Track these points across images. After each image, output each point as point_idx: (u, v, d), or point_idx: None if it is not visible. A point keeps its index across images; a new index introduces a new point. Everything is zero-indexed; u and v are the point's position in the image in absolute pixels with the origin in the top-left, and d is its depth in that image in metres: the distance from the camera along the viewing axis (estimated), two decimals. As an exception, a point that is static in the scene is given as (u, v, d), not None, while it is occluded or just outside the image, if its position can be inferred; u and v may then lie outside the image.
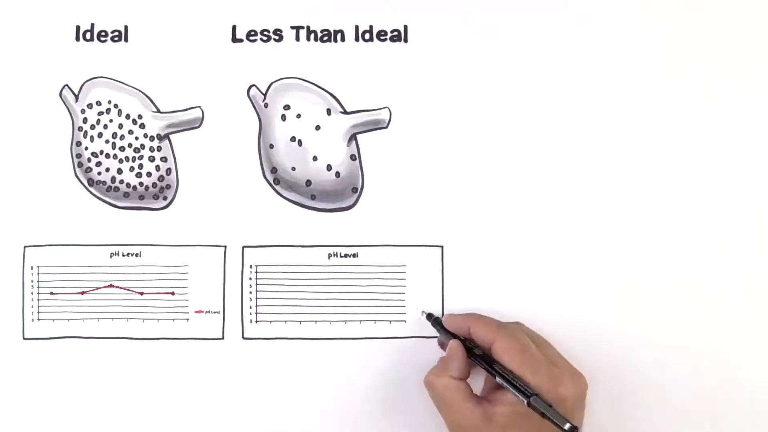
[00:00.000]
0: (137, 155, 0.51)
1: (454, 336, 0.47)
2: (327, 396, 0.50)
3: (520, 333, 0.45)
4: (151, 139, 0.51)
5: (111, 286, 0.51)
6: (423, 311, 0.50)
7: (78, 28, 0.51)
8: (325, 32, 0.51)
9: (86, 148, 0.51)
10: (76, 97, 0.51)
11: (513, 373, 0.42)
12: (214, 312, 0.51)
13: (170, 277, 0.51)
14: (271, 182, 0.51)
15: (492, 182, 0.50)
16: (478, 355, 0.45)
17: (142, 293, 0.51)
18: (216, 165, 0.51)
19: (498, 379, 0.43)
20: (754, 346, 0.50)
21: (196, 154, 0.51)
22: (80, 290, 0.51)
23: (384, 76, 0.51)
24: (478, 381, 0.47)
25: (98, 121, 0.51)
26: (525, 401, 0.40)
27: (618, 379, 0.50)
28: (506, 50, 0.51)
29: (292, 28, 0.51)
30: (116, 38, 0.51)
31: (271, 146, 0.51)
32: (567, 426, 0.39)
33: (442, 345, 0.49)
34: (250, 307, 0.51)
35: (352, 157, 0.51)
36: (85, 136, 0.51)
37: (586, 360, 0.49)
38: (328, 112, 0.51)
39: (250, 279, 0.51)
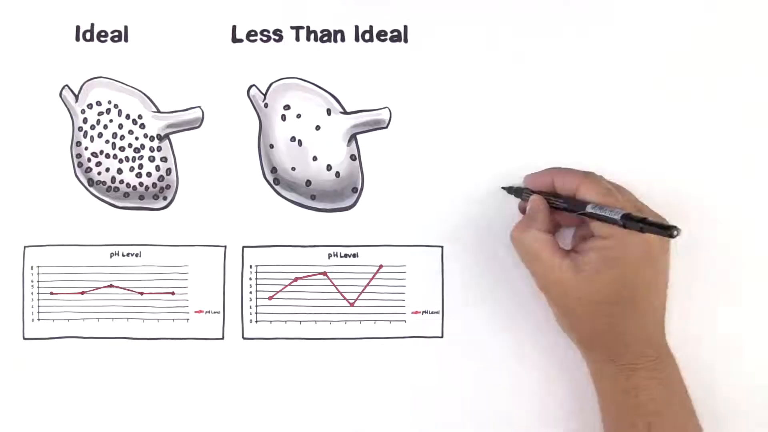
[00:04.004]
0: (137, 155, 0.51)
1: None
2: (327, 396, 0.50)
3: (602, 179, 0.45)
4: (151, 139, 0.51)
5: (111, 286, 0.51)
6: (502, 187, 0.50)
7: (78, 28, 0.51)
8: (325, 32, 0.51)
9: (86, 148, 0.51)
10: (76, 97, 0.51)
11: (600, 206, 0.42)
12: (214, 312, 0.51)
13: (170, 277, 0.51)
14: (271, 182, 0.51)
15: (492, 182, 0.50)
16: (559, 204, 0.45)
17: (142, 293, 0.51)
18: (216, 165, 0.51)
19: (589, 209, 0.42)
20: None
21: (196, 154, 0.51)
22: (80, 290, 0.51)
23: (384, 76, 0.51)
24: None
25: (98, 121, 0.51)
26: (620, 222, 0.40)
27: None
28: (506, 50, 0.51)
29: (292, 28, 0.51)
30: (116, 38, 0.51)
31: (271, 146, 0.51)
32: (672, 231, 0.37)
33: (522, 209, 0.49)
34: (250, 307, 0.51)
35: (352, 157, 0.51)
36: (85, 136, 0.51)
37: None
38: (328, 112, 0.51)
39: (250, 279, 0.51)
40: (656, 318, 0.45)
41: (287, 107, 0.51)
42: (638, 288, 0.43)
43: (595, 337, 0.45)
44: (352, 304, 0.51)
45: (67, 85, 0.51)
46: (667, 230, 0.38)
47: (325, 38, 0.51)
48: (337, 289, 0.51)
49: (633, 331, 0.44)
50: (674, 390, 0.45)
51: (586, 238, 0.45)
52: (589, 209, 0.43)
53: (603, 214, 0.42)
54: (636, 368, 0.44)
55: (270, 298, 0.51)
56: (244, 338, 0.51)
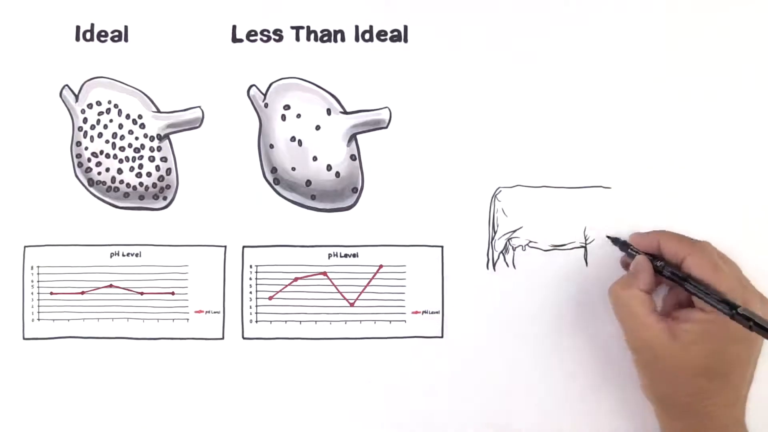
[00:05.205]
0: (137, 155, 0.51)
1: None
2: (327, 396, 0.50)
3: (711, 250, 0.45)
4: (151, 139, 0.51)
5: (111, 286, 0.51)
6: (607, 236, 0.49)
7: (78, 28, 0.51)
8: (325, 32, 0.51)
9: (86, 148, 0.51)
10: (76, 97, 0.51)
11: (708, 288, 0.42)
12: (214, 312, 0.51)
13: (170, 277, 0.51)
14: (271, 182, 0.51)
15: (491, 182, 0.50)
16: (666, 272, 0.44)
17: (142, 293, 0.51)
18: (216, 165, 0.51)
19: (692, 291, 0.42)
20: None
21: (196, 154, 0.51)
22: (80, 290, 0.51)
23: (384, 76, 0.51)
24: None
25: (98, 121, 0.51)
26: (729, 313, 0.39)
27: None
28: (506, 50, 0.51)
29: (292, 28, 0.51)
30: (116, 38, 0.51)
31: (271, 146, 0.51)
32: None
33: (625, 264, 0.48)
34: (250, 307, 0.51)
35: (352, 157, 0.51)
36: (85, 136, 0.51)
37: (591, 361, 0.49)
38: (328, 112, 0.51)
39: (250, 279, 0.51)
40: (742, 395, 0.44)
41: (287, 107, 0.51)
42: (732, 364, 0.43)
43: (681, 407, 0.44)
44: (352, 304, 0.51)
45: (67, 85, 0.51)
46: None
47: (325, 38, 0.51)
48: (337, 289, 0.51)
49: (720, 406, 0.43)
50: None
51: (683, 305, 0.45)
52: (698, 292, 0.42)
53: (713, 303, 0.41)
54: None
55: (270, 298, 0.51)
56: (244, 338, 0.51)
